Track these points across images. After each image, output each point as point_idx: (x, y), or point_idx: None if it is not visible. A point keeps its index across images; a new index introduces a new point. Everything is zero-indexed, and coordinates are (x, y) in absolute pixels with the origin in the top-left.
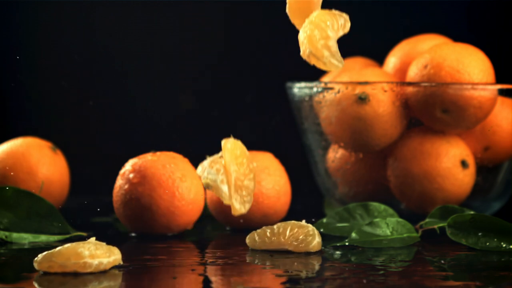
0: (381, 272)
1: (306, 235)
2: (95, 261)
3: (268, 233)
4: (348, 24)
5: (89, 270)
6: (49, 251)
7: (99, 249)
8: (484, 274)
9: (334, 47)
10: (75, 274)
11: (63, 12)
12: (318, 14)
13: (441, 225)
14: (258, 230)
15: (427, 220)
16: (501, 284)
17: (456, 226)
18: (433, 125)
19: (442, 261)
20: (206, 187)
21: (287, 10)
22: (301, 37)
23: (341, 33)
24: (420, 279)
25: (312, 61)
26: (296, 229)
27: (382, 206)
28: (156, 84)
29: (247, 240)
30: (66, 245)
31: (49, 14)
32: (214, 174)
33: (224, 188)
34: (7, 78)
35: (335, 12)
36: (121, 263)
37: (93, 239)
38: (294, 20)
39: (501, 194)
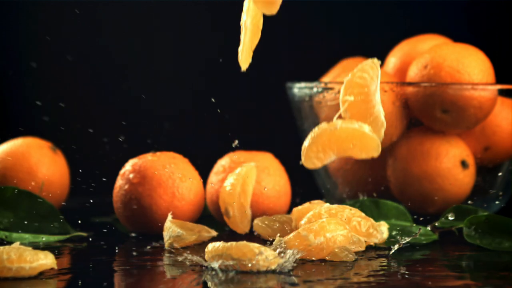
0: (381, 272)
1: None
2: (14, 266)
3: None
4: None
5: (8, 275)
6: None
7: (22, 254)
8: (484, 274)
9: None
10: (11, 279)
11: (63, 12)
12: None
13: (459, 226)
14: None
15: (441, 220)
16: (501, 285)
17: (472, 227)
18: (433, 125)
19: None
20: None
21: None
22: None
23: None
24: (421, 279)
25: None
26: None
27: (394, 204)
28: (156, 84)
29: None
30: None
31: (49, 14)
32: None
33: None
34: (7, 78)
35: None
36: (55, 267)
37: (17, 243)
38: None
39: (501, 194)
